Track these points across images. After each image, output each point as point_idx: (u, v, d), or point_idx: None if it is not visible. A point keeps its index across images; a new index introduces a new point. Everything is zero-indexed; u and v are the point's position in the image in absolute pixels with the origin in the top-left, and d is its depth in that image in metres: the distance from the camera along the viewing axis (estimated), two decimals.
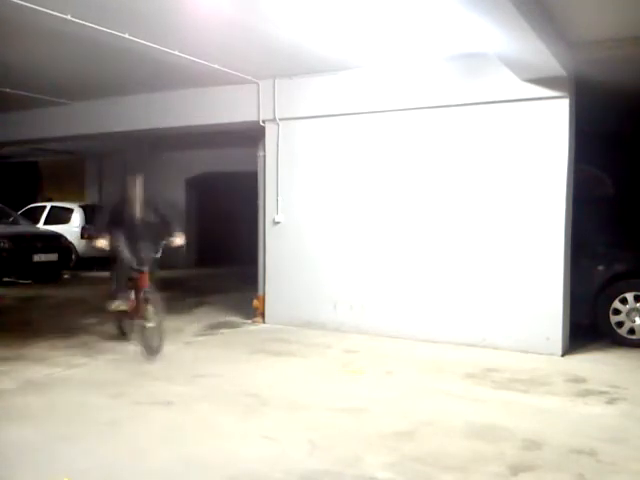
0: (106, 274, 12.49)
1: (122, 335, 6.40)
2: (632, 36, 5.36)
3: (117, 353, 5.96)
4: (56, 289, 10.77)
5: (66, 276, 12.42)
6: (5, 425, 3.96)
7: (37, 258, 11.18)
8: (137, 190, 5.96)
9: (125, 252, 5.88)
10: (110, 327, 7.06)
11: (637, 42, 5.38)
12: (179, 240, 6.00)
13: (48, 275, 11.67)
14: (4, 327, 7.23)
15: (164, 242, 5.90)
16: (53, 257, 11.54)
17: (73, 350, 6.03)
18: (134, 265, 5.82)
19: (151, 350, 5.63)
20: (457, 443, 3.73)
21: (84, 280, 12.30)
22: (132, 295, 6.06)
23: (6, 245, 10.75)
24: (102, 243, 5.96)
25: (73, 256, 12.43)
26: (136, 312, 5.94)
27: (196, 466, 3.37)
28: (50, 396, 4.57)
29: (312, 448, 3.62)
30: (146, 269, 5.78)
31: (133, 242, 5.93)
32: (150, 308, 5.67)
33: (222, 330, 7.31)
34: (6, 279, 11.07)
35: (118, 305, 6.06)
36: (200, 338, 6.82)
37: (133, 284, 5.98)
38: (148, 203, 6.04)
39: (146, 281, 5.76)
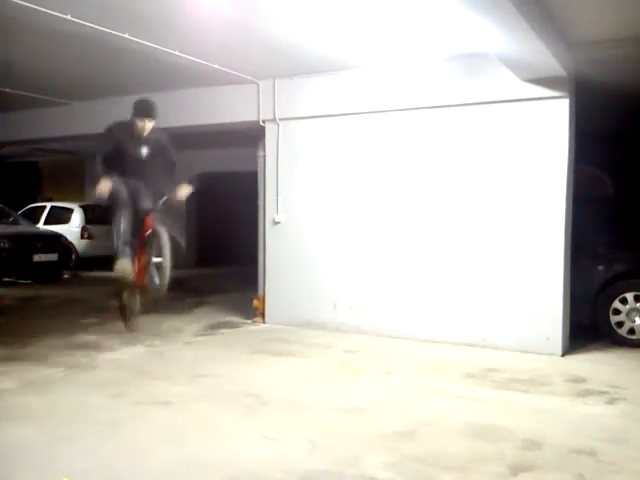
0: (107, 274, 12.47)
1: (125, 319, 5.82)
2: (632, 36, 5.36)
3: (117, 353, 5.96)
4: (56, 289, 10.77)
5: (66, 276, 12.42)
6: (5, 425, 3.96)
7: (37, 258, 11.18)
8: (146, 134, 5.29)
9: (124, 195, 5.24)
10: (110, 326, 7.08)
11: (637, 42, 5.37)
12: (184, 191, 5.39)
13: (48, 275, 11.67)
14: (4, 327, 7.22)
15: (166, 193, 5.40)
16: (53, 257, 11.54)
17: (73, 350, 6.03)
18: (136, 207, 5.27)
19: (155, 289, 5.28)
20: (457, 443, 3.73)
21: (84, 280, 12.31)
22: (135, 260, 5.43)
23: (6, 245, 10.75)
24: (103, 187, 5.09)
25: (73, 256, 12.43)
26: (141, 278, 5.42)
27: (196, 466, 3.37)
28: (50, 396, 4.57)
29: (312, 448, 3.62)
30: (148, 209, 5.28)
31: (134, 186, 5.34)
32: (158, 242, 5.17)
33: (222, 330, 7.30)
34: (6, 279, 11.08)
35: (124, 269, 5.25)
36: (200, 338, 6.82)
37: (138, 236, 5.39)
38: (156, 146, 5.43)
39: (150, 222, 5.27)
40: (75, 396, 4.58)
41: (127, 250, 5.33)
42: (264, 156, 7.77)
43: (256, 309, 7.78)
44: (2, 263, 10.67)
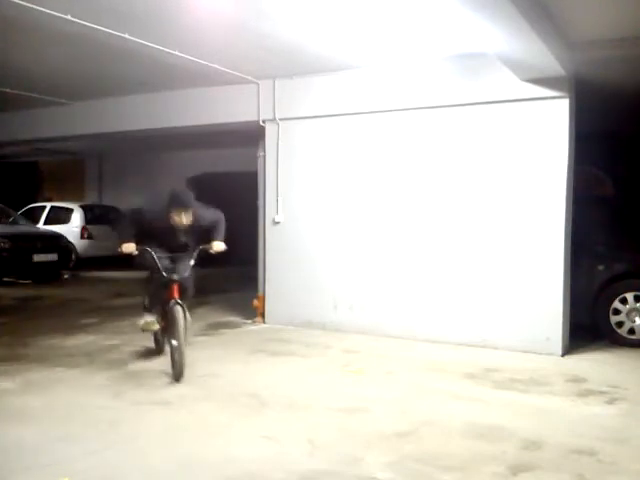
0: (108, 274, 12.44)
1: (156, 350, 5.81)
2: (632, 36, 5.36)
3: (117, 353, 5.96)
4: (56, 289, 10.77)
5: (66, 276, 12.42)
6: (5, 425, 3.96)
7: (37, 258, 11.18)
8: (183, 221, 5.15)
9: (156, 261, 5.16)
10: (110, 326, 7.09)
11: (637, 42, 5.37)
12: (217, 247, 5.41)
13: (48, 275, 11.67)
14: (4, 327, 7.22)
15: (200, 248, 5.36)
16: (53, 257, 11.54)
17: (73, 350, 6.03)
18: (166, 274, 5.12)
19: (174, 371, 5.00)
20: (457, 443, 3.73)
21: (84, 280, 12.31)
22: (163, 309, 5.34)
23: (6, 245, 10.75)
24: (129, 247, 5.16)
25: (73, 256, 12.44)
26: (166, 328, 5.32)
27: (196, 466, 3.37)
28: (50, 396, 4.57)
29: (312, 448, 3.62)
30: (177, 277, 5.12)
31: (167, 252, 5.34)
32: (176, 323, 4.98)
33: (222, 330, 7.30)
34: (6, 279, 11.07)
35: (148, 324, 5.42)
36: (200, 338, 6.81)
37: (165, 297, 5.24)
38: (192, 226, 5.29)
39: (175, 292, 5.09)
40: (75, 396, 4.58)
41: (153, 311, 5.46)
42: (264, 156, 7.77)
43: (256, 309, 7.78)
44: (2, 263, 10.68)
